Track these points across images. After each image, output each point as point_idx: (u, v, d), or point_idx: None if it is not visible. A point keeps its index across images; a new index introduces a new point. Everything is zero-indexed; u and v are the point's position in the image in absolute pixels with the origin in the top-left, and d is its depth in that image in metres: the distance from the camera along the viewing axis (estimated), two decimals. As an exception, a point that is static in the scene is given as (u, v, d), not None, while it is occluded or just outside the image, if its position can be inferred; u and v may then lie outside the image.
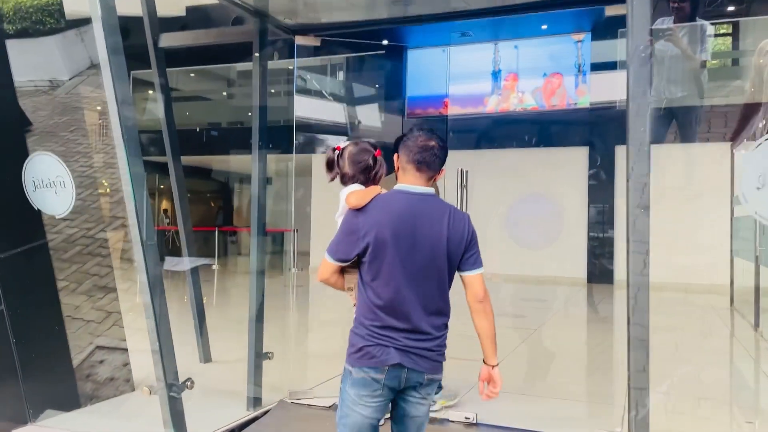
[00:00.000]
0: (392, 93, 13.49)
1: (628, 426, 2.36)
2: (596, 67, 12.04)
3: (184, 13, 14.44)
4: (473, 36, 12.81)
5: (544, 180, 11.17)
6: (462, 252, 2.04)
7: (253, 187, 4.00)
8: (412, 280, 1.98)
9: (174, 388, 3.04)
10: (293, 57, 4.57)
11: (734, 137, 5.94)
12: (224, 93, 18.04)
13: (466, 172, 3.63)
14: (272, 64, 4.26)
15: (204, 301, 5.19)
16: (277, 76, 15.30)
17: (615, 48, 12.06)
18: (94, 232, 4.81)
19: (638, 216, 2.32)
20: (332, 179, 2.23)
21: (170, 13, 14.45)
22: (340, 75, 15.90)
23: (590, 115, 12.17)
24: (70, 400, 3.80)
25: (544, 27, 12.06)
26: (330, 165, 2.23)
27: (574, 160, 12.05)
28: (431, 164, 2.05)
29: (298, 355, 4.65)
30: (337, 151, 2.22)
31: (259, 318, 3.86)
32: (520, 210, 3.98)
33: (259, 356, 3.83)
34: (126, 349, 4.16)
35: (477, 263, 2.08)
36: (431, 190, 2.08)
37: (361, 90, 15.59)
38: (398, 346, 1.98)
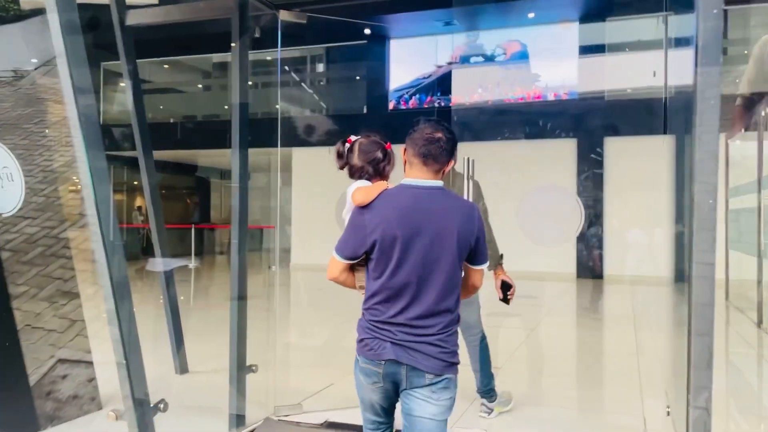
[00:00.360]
0: (375, 84, 13.08)
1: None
2: (585, 50, 11.78)
3: (156, 2, 13.93)
4: (457, 25, 12.49)
5: (531, 173, 10.89)
6: (472, 247, 2.01)
7: (233, 182, 3.61)
8: (419, 278, 1.93)
9: (144, 408, 2.65)
10: (276, 36, 4.12)
11: (739, 128, 5.68)
12: (200, 86, 17.53)
13: (473, 161, 3.27)
14: (252, 55, 3.85)
15: (180, 302, 4.78)
16: (257, 68, 14.89)
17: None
18: (57, 232, 4.39)
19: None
20: (341, 168, 2.22)
21: (142, 2, 13.98)
22: (320, 67, 15.50)
23: (578, 106, 11.95)
24: (27, 422, 3.36)
25: (531, 15, 11.78)
26: (340, 156, 2.21)
27: (563, 153, 11.81)
28: (438, 157, 1.99)
29: (284, 365, 4.27)
30: (347, 144, 2.19)
31: (241, 328, 3.46)
32: (532, 203, 3.61)
33: (241, 369, 3.43)
34: (91, 363, 3.73)
35: (485, 257, 2.08)
36: (440, 183, 2.02)
37: (342, 81, 15.20)
38: (395, 341, 1.94)
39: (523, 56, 12.35)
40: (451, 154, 2.02)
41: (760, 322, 6.28)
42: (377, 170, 2.14)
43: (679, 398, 2.29)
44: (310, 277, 11.87)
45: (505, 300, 3.21)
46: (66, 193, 4.42)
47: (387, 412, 2.09)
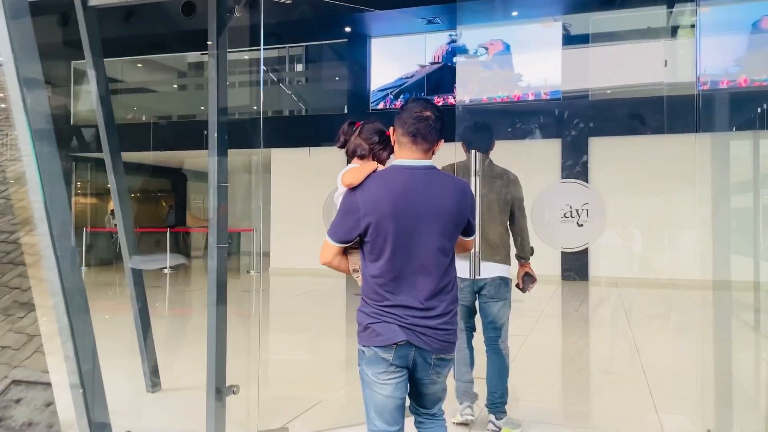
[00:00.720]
0: (356, 84, 12.74)
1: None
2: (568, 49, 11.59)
3: (129, -2, 13.47)
4: (440, 24, 12.22)
5: (517, 173, 10.65)
6: (465, 223, 2.04)
7: (211, 184, 3.26)
8: (417, 258, 1.93)
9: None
10: (258, 17, 3.72)
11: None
12: (174, 86, 17.03)
13: (479, 155, 2.98)
14: (232, 55, 3.50)
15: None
16: (234, 67, 14.46)
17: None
18: (16, 237, 3.99)
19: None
20: (341, 146, 2.23)
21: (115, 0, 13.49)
22: (299, 67, 15.12)
23: (562, 106, 11.77)
24: (-26, 454, 2.97)
25: (515, 14, 11.56)
26: (343, 133, 2.24)
27: (547, 153, 11.64)
28: (427, 136, 1.97)
29: (266, 381, 3.92)
30: (355, 127, 2.22)
31: (220, 344, 3.11)
32: (547, 202, 3.30)
33: (220, 391, 3.07)
34: (49, 384, 3.33)
35: (474, 229, 2.12)
36: (431, 162, 2.02)
37: (321, 81, 14.84)
38: (403, 323, 1.92)
39: (505, 55, 12.14)
40: (440, 132, 2.00)
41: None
42: (372, 150, 2.16)
43: (733, 423, 2.00)
44: (291, 282, 11.50)
45: (524, 290, 3.42)
46: (25, 195, 4.04)
47: (399, 410, 1.99)
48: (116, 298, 9.26)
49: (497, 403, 3.25)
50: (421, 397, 2.08)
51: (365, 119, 2.24)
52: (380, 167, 2.08)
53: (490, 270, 3.24)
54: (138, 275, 4.40)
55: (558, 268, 11.32)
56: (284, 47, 13.97)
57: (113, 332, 5.97)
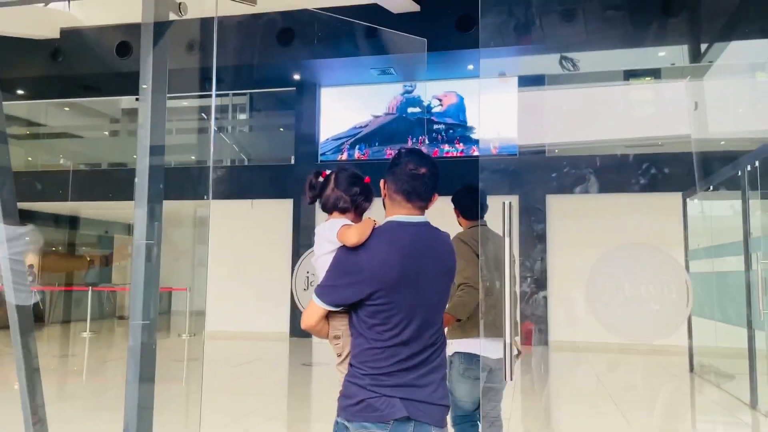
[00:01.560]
0: (304, 133, 12.05)
1: None
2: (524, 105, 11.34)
3: (58, 36, 12.47)
4: (394, 75, 11.82)
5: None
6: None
7: (137, 239, 2.42)
8: (423, 323, 1.83)
9: None
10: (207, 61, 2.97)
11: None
12: (106, 132, 15.91)
13: (509, 204, 2.28)
14: (171, 102, 2.73)
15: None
16: (178, 115, 13.57)
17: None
18: None
19: None
20: (311, 201, 2.05)
21: (41, 35, 12.44)
22: (242, 116, 14.38)
23: (519, 161, 11.44)
24: None
25: (470, 67, 11.29)
26: (312, 188, 2.04)
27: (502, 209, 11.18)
28: (422, 193, 1.91)
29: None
30: (321, 178, 2.05)
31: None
32: (609, 274, 2.54)
33: None
34: None
35: None
36: (426, 218, 1.95)
37: (267, 130, 14.12)
38: (405, 395, 1.79)
39: (459, 108, 11.82)
40: (434, 188, 1.94)
41: (755, 403, 5.53)
42: (354, 202, 2.01)
43: None
44: (229, 348, 10.35)
45: None
46: None
47: None
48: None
49: None
50: None
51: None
52: (377, 223, 1.91)
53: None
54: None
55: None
56: (227, 94, 13.24)
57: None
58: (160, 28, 2.46)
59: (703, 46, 9.28)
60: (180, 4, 2.32)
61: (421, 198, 1.90)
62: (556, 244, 11.04)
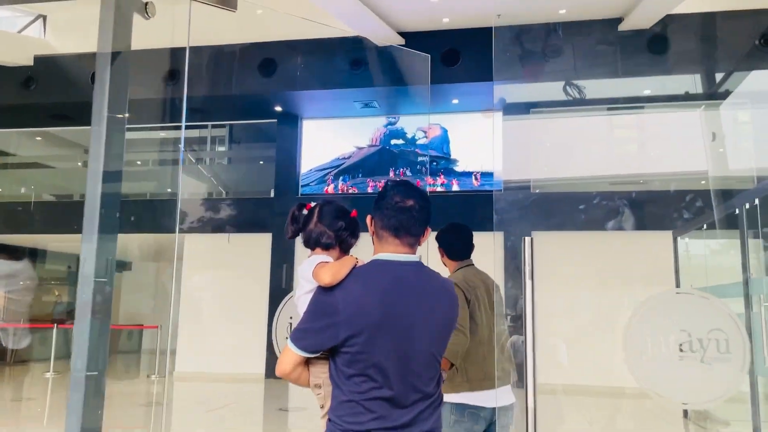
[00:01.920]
0: (284, 166, 11.74)
1: None
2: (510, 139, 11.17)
3: (31, 63, 12.10)
4: (377, 108, 11.63)
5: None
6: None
7: (83, 274, 2.06)
8: (409, 372, 1.66)
9: None
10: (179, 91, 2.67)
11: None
12: (80, 163, 15.44)
13: (531, 241, 2.00)
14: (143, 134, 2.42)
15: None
16: (148, 147, 13.18)
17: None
18: None
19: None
20: (292, 236, 1.89)
21: (13, 62, 12.06)
22: (221, 148, 14.04)
23: (503, 196, 11.22)
24: None
25: (455, 102, 11.16)
26: (294, 221, 1.90)
27: (488, 246, 10.90)
28: (411, 228, 1.76)
29: None
30: (305, 210, 1.90)
31: None
32: (655, 325, 2.21)
33: None
34: None
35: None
36: (417, 257, 1.78)
37: (246, 162, 13.78)
38: None
39: (443, 141, 11.65)
40: (426, 223, 1.79)
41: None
42: (339, 238, 1.87)
43: None
44: (200, 390, 9.79)
45: None
46: None
47: None
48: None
49: None
50: None
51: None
52: (360, 262, 1.75)
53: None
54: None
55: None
56: (206, 125, 12.93)
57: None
58: (120, 48, 2.15)
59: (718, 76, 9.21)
60: (147, 4, 2.01)
61: (409, 233, 1.76)
62: (542, 281, 10.75)
